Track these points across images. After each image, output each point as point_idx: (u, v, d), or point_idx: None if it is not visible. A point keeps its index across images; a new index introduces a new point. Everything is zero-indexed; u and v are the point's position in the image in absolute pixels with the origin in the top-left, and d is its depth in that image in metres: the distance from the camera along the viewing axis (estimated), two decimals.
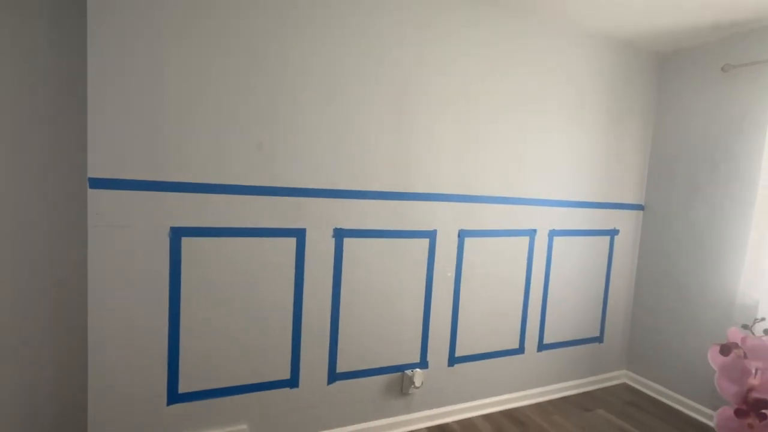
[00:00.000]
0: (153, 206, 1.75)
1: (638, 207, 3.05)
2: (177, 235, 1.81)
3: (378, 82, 2.10)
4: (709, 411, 2.59)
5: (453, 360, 2.47)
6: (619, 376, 3.13)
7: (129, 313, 1.76)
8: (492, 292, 2.55)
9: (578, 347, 2.92)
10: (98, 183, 1.66)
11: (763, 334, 0.64)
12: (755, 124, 2.44)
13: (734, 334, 0.73)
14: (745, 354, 0.71)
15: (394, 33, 2.12)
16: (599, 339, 3.00)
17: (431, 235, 2.33)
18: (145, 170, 1.73)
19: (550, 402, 2.79)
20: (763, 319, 0.75)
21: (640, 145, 2.99)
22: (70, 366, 1.87)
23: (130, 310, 1.76)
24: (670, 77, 2.91)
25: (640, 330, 3.07)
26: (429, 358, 2.41)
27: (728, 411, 0.69)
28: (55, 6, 1.71)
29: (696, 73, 2.75)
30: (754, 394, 0.69)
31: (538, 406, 2.72)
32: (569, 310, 2.85)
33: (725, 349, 0.72)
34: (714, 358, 0.74)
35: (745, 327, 0.72)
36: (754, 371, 0.70)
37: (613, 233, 2.96)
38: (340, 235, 2.11)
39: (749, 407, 0.66)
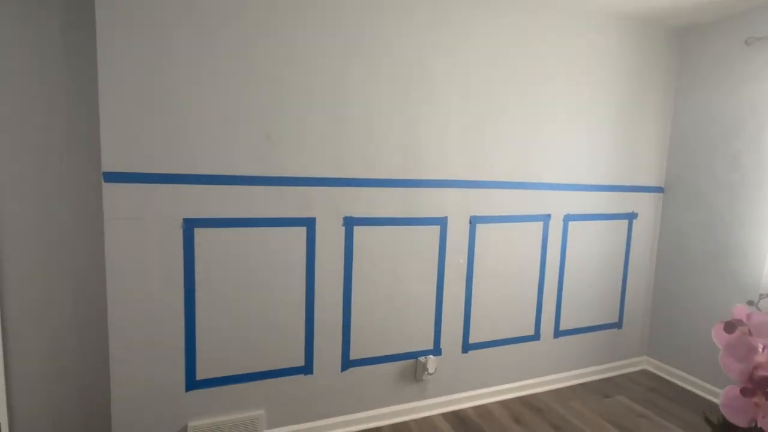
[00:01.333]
0: (166, 198, 1.80)
1: (658, 189, 2.96)
2: (190, 226, 1.85)
3: (384, 68, 2.09)
4: None
5: (467, 347, 2.47)
6: (640, 362, 3.07)
7: (146, 304, 1.82)
8: (505, 279, 2.53)
9: (596, 333, 2.88)
10: (112, 177, 1.71)
11: None
12: None
13: (739, 311, 0.71)
14: (750, 331, 0.68)
15: (400, 16, 2.09)
16: (618, 325, 2.95)
17: (442, 222, 2.32)
18: (158, 163, 1.77)
19: (568, 388, 2.76)
20: None
21: (660, 125, 2.89)
22: (93, 358, 1.94)
23: (147, 300, 1.82)
24: (691, 53, 2.80)
25: (660, 316, 3.00)
26: (442, 344, 2.41)
27: (734, 390, 0.67)
28: (65, 1, 1.76)
29: (718, 47, 2.64)
30: (761, 372, 0.66)
31: (555, 393, 2.70)
32: (586, 296, 2.80)
33: (730, 327, 0.69)
34: (718, 336, 0.72)
35: (750, 303, 0.70)
36: (760, 348, 0.67)
37: (631, 217, 2.89)
38: (350, 223, 2.12)
39: (755, 385, 0.64)
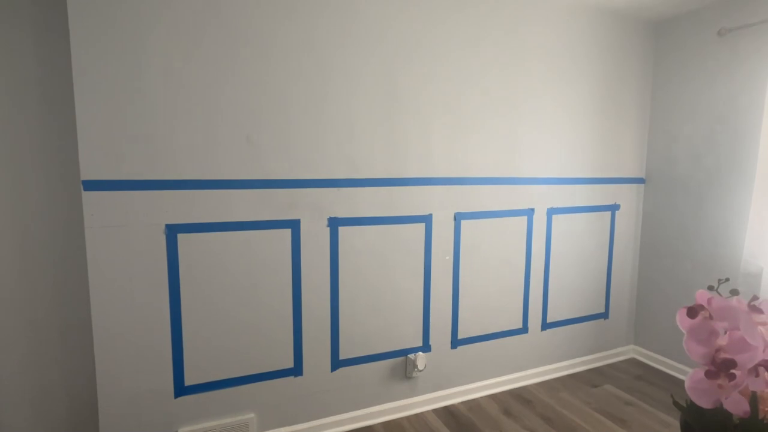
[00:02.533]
0: (147, 205, 1.79)
1: (639, 180, 3.01)
2: (173, 232, 1.84)
3: (365, 67, 2.10)
4: None
5: (456, 342, 2.49)
6: (627, 351, 3.12)
7: (131, 311, 1.80)
8: (492, 274, 2.55)
9: (583, 324, 2.92)
10: (92, 185, 1.70)
11: (729, 294, 0.64)
12: (754, 88, 2.38)
13: (701, 295, 0.73)
14: (710, 315, 0.70)
15: (380, 15, 2.10)
16: (605, 315, 2.99)
17: (427, 220, 2.33)
18: (137, 170, 1.76)
19: (557, 379, 2.80)
20: (727, 280, 0.74)
21: (639, 117, 2.94)
22: (79, 365, 1.92)
23: (132, 307, 1.80)
24: (666, 45, 2.85)
25: (646, 304, 3.05)
26: (431, 341, 2.43)
27: (699, 373, 0.69)
28: (36, 7, 1.74)
29: (691, 39, 2.69)
30: (722, 355, 0.68)
31: (544, 384, 2.73)
32: (572, 287, 2.84)
33: (692, 312, 0.72)
34: (682, 321, 0.74)
35: (711, 288, 0.72)
36: (722, 332, 0.69)
37: (614, 208, 2.93)
38: (334, 224, 2.13)
39: (718, 368, 0.66)
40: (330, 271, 2.14)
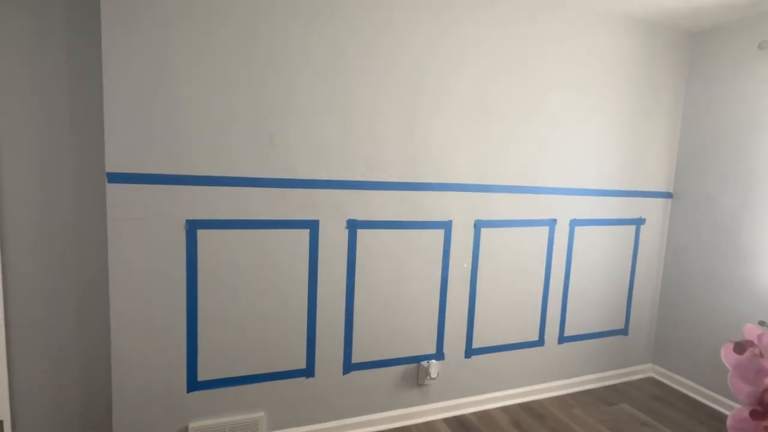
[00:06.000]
0: (169, 200, 1.79)
1: (666, 195, 2.92)
2: (193, 227, 1.84)
3: (388, 70, 2.07)
4: (738, 406, 2.48)
5: (470, 352, 2.45)
6: (645, 370, 3.03)
7: (148, 305, 1.81)
8: (510, 284, 2.50)
9: (602, 340, 2.84)
10: (116, 177, 1.71)
11: None
12: None
13: (750, 331, 0.68)
14: (761, 353, 0.66)
15: (406, 18, 2.07)
16: (624, 331, 2.91)
17: (446, 226, 2.30)
18: (161, 164, 1.77)
19: (571, 395, 2.73)
20: None
21: (670, 130, 2.85)
22: (96, 358, 1.94)
23: (149, 301, 1.81)
24: (702, 57, 2.75)
25: (667, 323, 2.96)
26: (445, 349, 2.39)
27: (743, 412, 0.65)
28: (69, 2, 1.76)
29: (729, 51, 2.59)
30: None
31: (558, 399, 2.67)
32: (592, 302, 2.77)
33: (740, 347, 0.67)
34: (727, 357, 0.70)
35: (762, 324, 0.68)
36: None
37: (639, 222, 2.85)
38: (353, 226, 2.11)
39: (765, 408, 0.62)
40: (346, 274, 2.13)
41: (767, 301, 2.34)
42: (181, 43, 1.73)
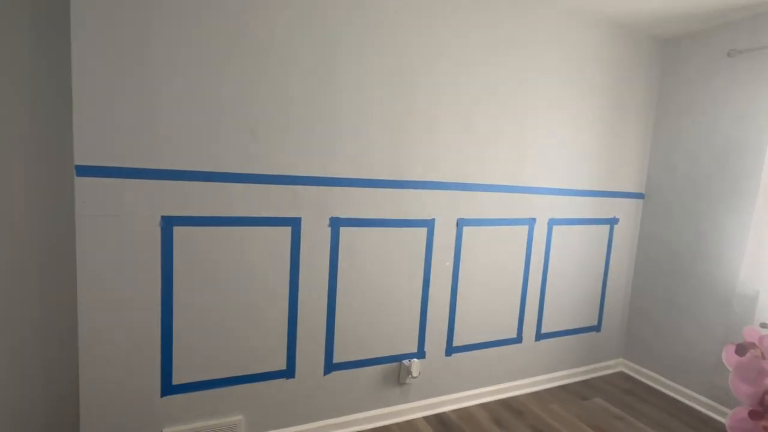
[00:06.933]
0: (143, 195, 1.70)
1: (639, 195, 3.01)
2: (168, 224, 1.76)
3: (373, 68, 2.03)
4: (705, 399, 2.60)
5: (450, 350, 2.46)
6: (616, 365, 3.13)
7: (120, 305, 1.72)
8: (490, 282, 2.52)
9: (576, 336, 2.91)
10: (85, 171, 1.60)
11: None
12: (761, 110, 2.39)
13: (751, 333, 0.70)
14: (762, 354, 0.67)
15: (391, 15, 2.04)
16: (597, 328, 2.99)
17: (429, 224, 2.29)
18: (135, 157, 1.67)
19: (547, 391, 2.79)
20: None
21: (642, 133, 2.94)
22: (62, 359, 1.83)
23: (121, 301, 1.72)
24: (674, 63, 2.85)
25: (638, 319, 3.06)
26: (426, 347, 2.39)
27: (742, 412, 0.66)
28: None
29: (701, 58, 2.69)
30: None
31: (535, 395, 2.72)
32: (568, 299, 2.83)
33: (741, 349, 0.69)
34: (729, 358, 0.71)
35: (763, 326, 0.69)
36: None
37: (612, 222, 2.93)
38: (336, 224, 2.06)
39: (765, 409, 0.63)
40: (329, 273, 2.08)
41: (731, 299, 2.45)
42: (159, 29, 1.64)
